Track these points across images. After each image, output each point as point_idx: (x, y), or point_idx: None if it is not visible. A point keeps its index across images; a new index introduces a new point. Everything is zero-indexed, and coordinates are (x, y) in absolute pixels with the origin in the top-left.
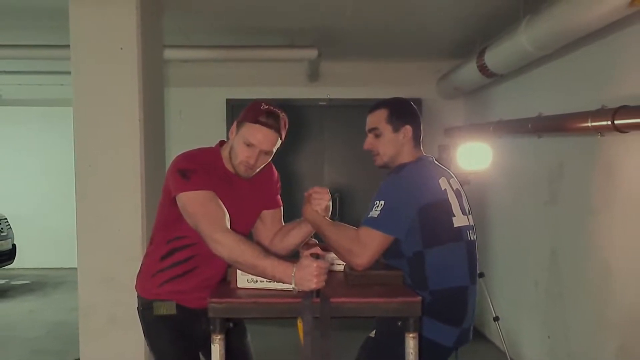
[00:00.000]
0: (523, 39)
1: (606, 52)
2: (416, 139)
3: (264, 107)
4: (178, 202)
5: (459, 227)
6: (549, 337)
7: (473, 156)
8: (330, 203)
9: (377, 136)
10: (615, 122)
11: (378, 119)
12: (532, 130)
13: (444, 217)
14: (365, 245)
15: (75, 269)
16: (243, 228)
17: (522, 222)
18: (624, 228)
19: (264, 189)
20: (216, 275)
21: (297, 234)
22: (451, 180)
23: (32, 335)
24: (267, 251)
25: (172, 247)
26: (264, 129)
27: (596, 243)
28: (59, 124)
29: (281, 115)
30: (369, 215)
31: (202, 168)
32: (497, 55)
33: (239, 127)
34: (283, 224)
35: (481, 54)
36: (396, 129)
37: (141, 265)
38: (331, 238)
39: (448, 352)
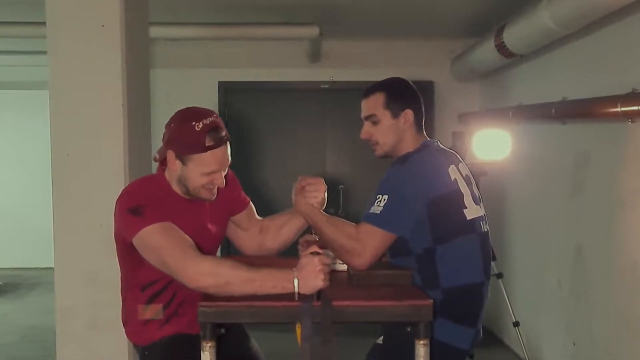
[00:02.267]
0: (545, 16)
1: (637, 30)
2: (418, 123)
3: (199, 125)
4: (137, 244)
5: (471, 219)
6: (573, 343)
7: (490, 145)
8: (326, 195)
9: (375, 124)
10: None
11: (374, 104)
12: (555, 116)
13: (456, 210)
14: (366, 243)
15: (52, 268)
16: (211, 249)
17: (544, 216)
18: None
19: (224, 195)
20: None
21: (290, 229)
22: (460, 166)
23: (6, 341)
24: (253, 262)
25: (149, 294)
26: (216, 151)
27: (625, 239)
28: (33, 109)
29: (217, 119)
30: (370, 211)
31: (152, 200)
32: (516, 34)
33: (182, 160)
34: (258, 217)
35: (499, 32)
36: (395, 115)
37: (123, 313)
38: (328, 235)
39: (464, 355)
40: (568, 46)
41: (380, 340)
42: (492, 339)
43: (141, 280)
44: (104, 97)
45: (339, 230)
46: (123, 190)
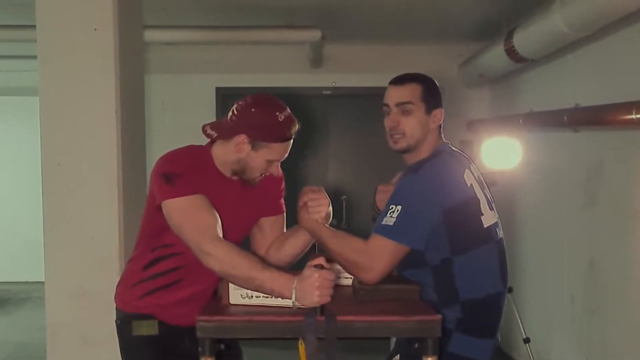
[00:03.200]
0: (558, 19)
1: None
2: (442, 126)
3: (282, 117)
4: (163, 210)
5: (488, 227)
6: (586, 359)
7: (500, 153)
8: (331, 208)
9: (407, 113)
10: None
11: (412, 93)
12: (567, 123)
13: (473, 218)
14: (376, 257)
15: (42, 282)
16: (236, 237)
17: (556, 228)
18: None
19: (265, 193)
20: (206, 290)
21: (294, 243)
22: (472, 168)
23: None
24: (265, 262)
25: (156, 255)
26: (289, 142)
27: None
28: (23, 116)
29: (294, 117)
30: (383, 222)
31: (188, 171)
32: (527, 38)
33: (255, 145)
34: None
35: (509, 35)
36: (428, 111)
37: (122, 274)
38: (335, 250)
39: None
40: (581, 50)
41: (396, 358)
42: (502, 356)
43: (157, 239)
44: (96, 104)
45: (346, 245)
46: (165, 153)
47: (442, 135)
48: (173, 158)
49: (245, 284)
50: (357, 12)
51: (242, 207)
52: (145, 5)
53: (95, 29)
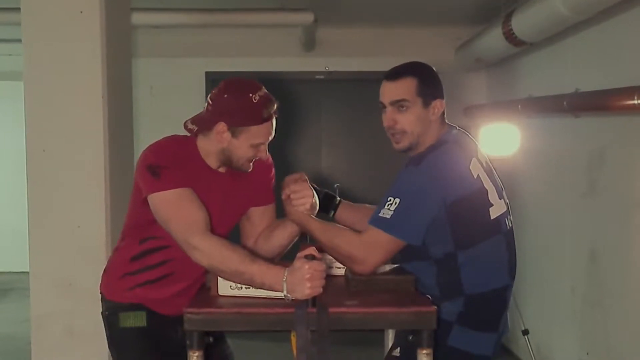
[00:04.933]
0: (558, 1)
1: None
2: (444, 114)
3: (256, 98)
4: (149, 203)
5: (496, 218)
6: (587, 353)
7: (498, 140)
8: (316, 197)
9: (403, 110)
10: None
11: (407, 89)
12: (567, 108)
13: (479, 211)
14: (370, 250)
15: (27, 273)
16: (225, 229)
17: (556, 218)
18: None
19: (254, 183)
20: (195, 283)
21: (282, 234)
22: (479, 156)
23: None
24: (254, 255)
25: (144, 248)
26: (269, 123)
27: None
28: (7, 101)
29: (270, 95)
30: (380, 215)
31: (175, 163)
32: (526, 20)
33: (235, 132)
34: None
35: (508, 18)
36: (427, 104)
37: (108, 262)
38: (326, 243)
39: None
40: (581, 34)
41: (396, 352)
42: (500, 348)
43: (145, 231)
44: (82, 89)
45: (338, 237)
46: (151, 145)
47: (446, 121)
48: (159, 150)
49: (235, 277)
50: None
51: (230, 199)
52: None
53: (81, 12)
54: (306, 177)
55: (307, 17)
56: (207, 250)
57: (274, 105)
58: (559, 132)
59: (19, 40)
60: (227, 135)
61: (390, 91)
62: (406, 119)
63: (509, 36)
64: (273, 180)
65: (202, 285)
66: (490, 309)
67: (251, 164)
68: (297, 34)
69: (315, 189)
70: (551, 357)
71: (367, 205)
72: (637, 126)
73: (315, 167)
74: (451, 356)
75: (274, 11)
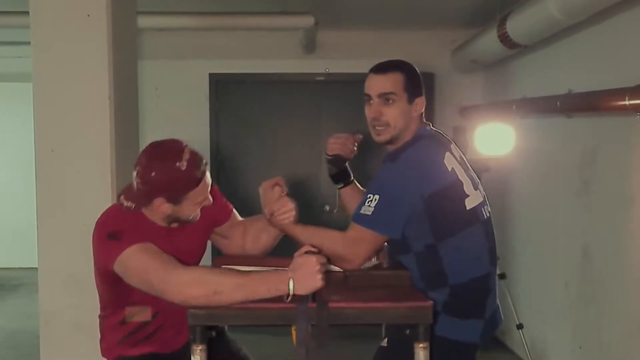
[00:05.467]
0: (551, 5)
1: None
2: (423, 113)
3: (183, 164)
4: (118, 269)
5: (473, 208)
6: (580, 347)
7: (493, 139)
8: (296, 206)
9: (389, 103)
10: None
11: (395, 83)
12: (560, 109)
13: (456, 202)
14: (355, 247)
15: (36, 269)
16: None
17: (550, 215)
18: None
19: (206, 210)
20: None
21: (269, 236)
22: (453, 150)
23: None
24: (243, 262)
25: (129, 312)
26: (206, 181)
27: (635, 239)
28: (16, 102)
29: (190, 147)
30: (361, 212)
31: (130, 225)
32: (521, 23)
33: (174, 202)
34: (240, 219)
35: (502, 21)
36: (411, 100)
37: (100, 331)
38: (314, 245)
39: (475, 348)
40: (574, 37)
41: (384, 342)
42: (495, 342)
43: (121, 299)
44: (89, 90)
45: (322, 239)
46: (98, 219)
47: (424, 118)
48: (111, 219)
49: (235, 294)
50: None
51: (191, 242)
52: None
53: (88, 15)
54: (283, 182)
55: (308, 21)
56: (195, 278)
57: (202, 161)
58: (552, 131)
59: (28, 43)
60: (168, 206)
61: (378, 84)
62: (391, 112)
63: (504, 39)
64: (221, 195)
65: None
66: (474, 296)
67: (199, 212)
68: (298, 36)
69: (338, 158)
70: (545, 350)
71: None
72: (628, 126)
73: (315, 167)
74: (440, 345)
75: (275, 15)
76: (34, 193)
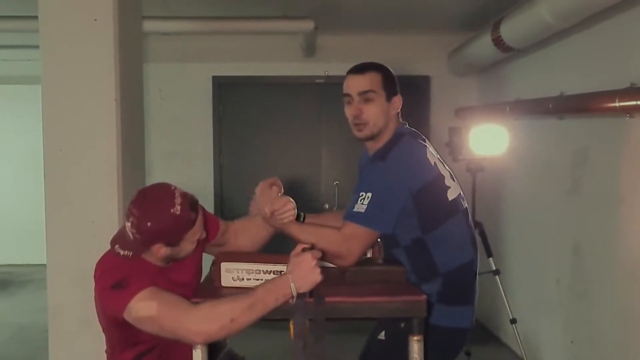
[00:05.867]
0: (543, 9)
1: (636, 23)
2: (399, 113)
3: (177, 209)
4: (129, 317)
5: (454, 199)
6: (571, 341)
7: (487, 140)
8: (294, 204)
9: (369, 101)
10: None
11: (373, 81)
12: (553, 111)
13: (439, 194)
14: (350, 244)
15: (44, 265)
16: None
17: (542, 213)
18: None
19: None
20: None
21: (264, 233)
22: (429, 146)
23: None
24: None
25: (136, 352)
26: (199, 215)
27: (624, 236)
28: (26, 103)
29: (178, 189)
30: (354, 210)
31: (132, 271)
32: (514, 28)
33: (173, 244)
34: (228, 222)
35: (496, 26)
36: (389, 98)
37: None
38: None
39: (466, 333)
40: (566, 40)
41: (381, 335)
42: (489, 336)
43: (129, 342)
44: (96, 92)
45: (319, 238)
46: (97, 271)
47: (400, 118)
48: (110, 268)
49: (249, 315)
50: (349, 3)
51: (187, 269)
52: None
53: (95, 20)
54: (279, 182)
55: (308, 25)
56: (208, 314)
57: (195, 201)
58: (544, 132)
59: (37, 47)
60: (167, 249)
61: (358, 83)
62: (371, 110)
63: (498, 43)
64: (207, 213)
65: None
66: (464, 283)
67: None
68: (299, 40)
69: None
70: (538, 344)
71: (328, 213)
72: (618, 127)
73: (315, 166)
74: (434, 333)
75: (276, 19)
76: (42, 192)
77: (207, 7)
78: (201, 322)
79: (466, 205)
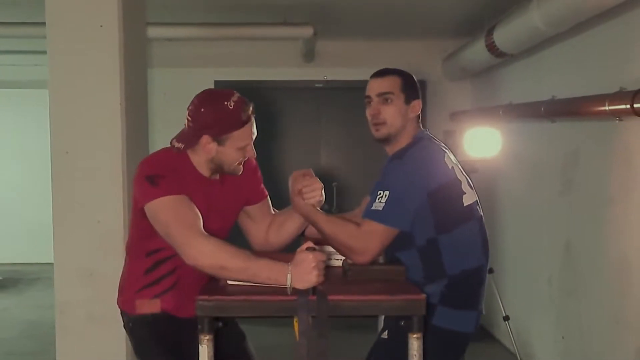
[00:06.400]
0: (535, 16)
1: (625, 30)
2: (419, 116)
3: (231, 104)
4: (147, 212)
5: (469, 205)
6: (562, 337)
7: (481, 142)
8: (323, 191)
9: (387, 103)
10: (635, 105)
11: (392, 84)
12: (544, 114)
13: (455, 198)
14: (368, 240)
15: (51, 264)
16: (223, 233)
17: (534, 213)
18: None
19: (244, 184)
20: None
21: (291, 225)
22: (449, 153)
23: (4, 335)
24: (256, 253)
25: (154, 260)
26: (250, 123)
27: (614, 235)
28: (33, 107)
29: (244, 98)
30: (373, 208)
31: (171, 173)
32: (507, 34)
33: (220, 141)
34: (273, 212)
35: (490, 32)
36: (407, 101)
37: (121, 279)
38: (330, 235)
39: (468, 337)
40: (557, 46)
41: (384, 334)
42: (483, 333)
43: (149, 244)
44: (102, 96)
45: (340, 230)
46: (144, 158)
47: (421, 125)
48: (155, 161)
49: (240, 274)
50: (348, 9)
51: (226, 203)
52: (149, 3)
53: (101, 26)
54: (312, 172)
55: (307, 31)
56: (208, 250)
57: (250, 107)
58: (537, 135)
59: (45, 52)
60: (213, 145)
61: (377, 85)
62: (389, 110)
63: (492, 48)
64: (261, 179)
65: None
66: (469, 288)
67: (241, 166)
68: (298, 46)
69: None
70: (530, 340)
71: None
72: (608, 130)
73: (314, 168)
74: (436, 335)
75: (276, 25)
76: (50, 193)
77: (210, 14)
78: (198, 252)
79: (482, 213)
